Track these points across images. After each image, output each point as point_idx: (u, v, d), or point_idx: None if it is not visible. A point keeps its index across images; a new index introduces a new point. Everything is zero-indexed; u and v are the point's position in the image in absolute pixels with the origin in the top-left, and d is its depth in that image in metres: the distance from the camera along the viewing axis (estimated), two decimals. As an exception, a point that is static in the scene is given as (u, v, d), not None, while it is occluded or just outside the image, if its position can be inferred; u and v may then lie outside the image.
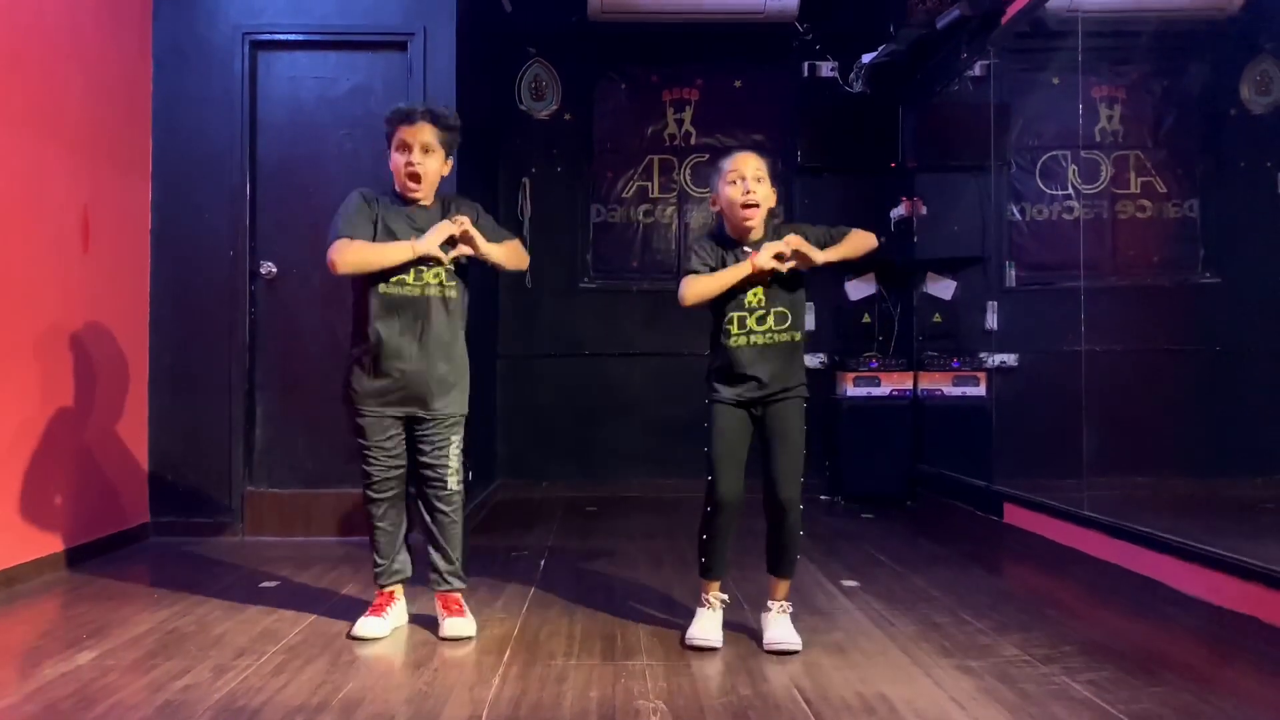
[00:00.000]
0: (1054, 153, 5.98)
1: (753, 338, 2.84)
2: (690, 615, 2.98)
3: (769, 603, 2.91)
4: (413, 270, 2.92)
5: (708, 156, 6.23)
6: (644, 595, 3.47)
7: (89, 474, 4.07)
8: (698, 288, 2.84)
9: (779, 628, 2.83)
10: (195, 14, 4.62)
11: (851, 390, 5.72)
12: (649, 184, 6.25)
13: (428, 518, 3.03)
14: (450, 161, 3.05)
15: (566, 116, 6.25)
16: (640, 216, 6.23)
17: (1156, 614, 3.21)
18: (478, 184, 5.35)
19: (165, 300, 4.59)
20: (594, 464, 6.09)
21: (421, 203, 3.00)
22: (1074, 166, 5.95)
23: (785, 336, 2.84)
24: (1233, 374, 5.47)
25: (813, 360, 6.00)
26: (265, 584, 3.63)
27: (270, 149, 4.67)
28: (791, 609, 2.90)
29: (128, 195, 4.43)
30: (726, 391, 2.86)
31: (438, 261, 2.92)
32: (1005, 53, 5.33)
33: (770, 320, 2.84)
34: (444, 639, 2.94)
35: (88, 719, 2.27)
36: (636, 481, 6.00)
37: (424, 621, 3.10)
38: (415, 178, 2.94)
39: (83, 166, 4.04)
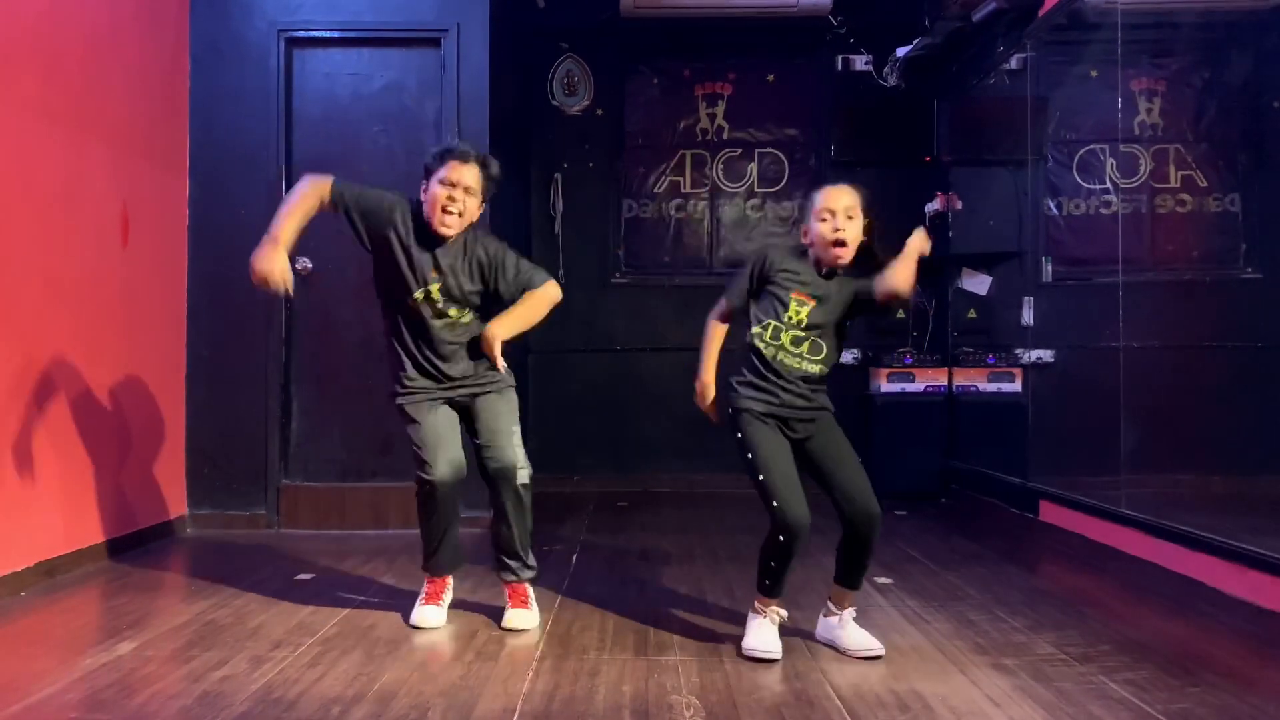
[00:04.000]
0: (1092, 146, 5.90)
1: (780, 354, 2.76)
2: (723, 610, 2.98)
3: (839, 611, 2.81)
4: (417, 293, 2.97)
5: (739, 151, 6.23)
6: (676, 590, 3.47)
7: (128, 467, 4.13)
8: (705, 336, 2.91)
9: (859, 633, 2.76)
10: (231, 11, 4.67)
11: (885, 386, 5.68)
12: (681, 179, 6.24)
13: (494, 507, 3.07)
14: (482, 208, 3.06)
15: (598, 112, 6.25)
16: (672, 211, 6.23)
17: (1196, 614, 3.16)
18: (510, 179, 5.35)
19: (202, 295, 4.64)
20: (625, 458, 6.09)
21: (446, 237, 3.00)
22: (1112, 160, 5.87)
23: (815, 368, 2.77)
24: (1274, 370, 5.37)
25: (846, 356, 5.96)
26: (301, 576, 3.66)
27: (306, 145, 4.71)
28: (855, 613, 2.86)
29: (166, 191, 4.48)
30: (754, 401, 2.76)
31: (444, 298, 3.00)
32: (1042, 45, 5.27)
33: (805, 347, 2.76)
34: (504, 629, 2.98)
35: (129, 708, 2.30)
36: (668, 476, 6.00)
37: (460, 613, 3.12)
38: (453, 214, 2.94)
39: (122, 163, 4.09)
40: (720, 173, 6.23)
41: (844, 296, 2.80)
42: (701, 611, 3.17)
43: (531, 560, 3.12)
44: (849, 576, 2.79)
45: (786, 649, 2.76)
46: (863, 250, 2.79)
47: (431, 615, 3.03)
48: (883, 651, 2.72)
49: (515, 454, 3.01)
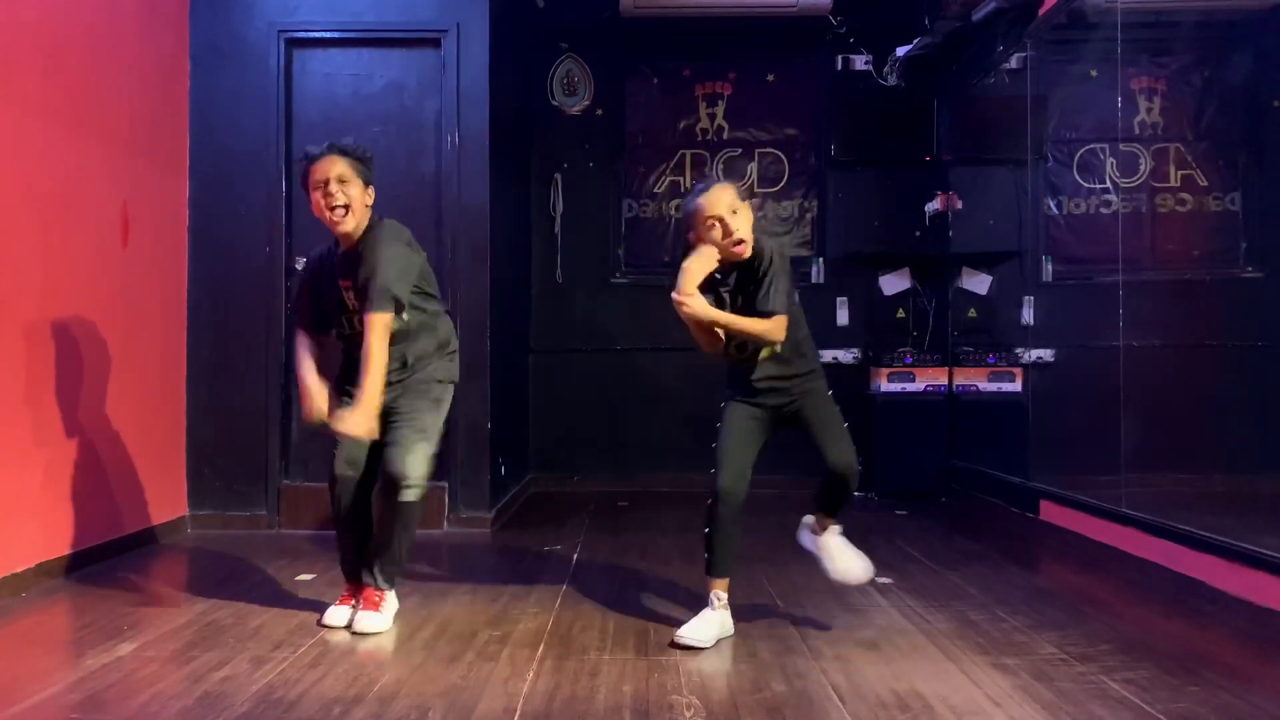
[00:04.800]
0: (1091, 146, 5.90)
1: (753, 362, 2.90)
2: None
3: (821, 530, 2.99)
4: (344, 321, 3.04)
5: (739, 151, 6.23)
6: (677, 589, 3.47)
7: (128, 467, 4.13)
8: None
9: (846, 554, 2.93)
10: (231, 12, 4.67)
11: (886, 385, 5.68)
12: (681, 179, 6.24)
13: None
14: (371, 190, 3.01)
15: (598, 112, 6.25)
16: (672, 211, 6.22)
17: (1196, 613, 3.16)
18: (510, 179, 5.37)
19: (203, 295, 4.64)
20: (626, 458, 6.09)
21: (351, 243, 2.99)
22: (1112, 159, 5.87)
23: (784, 363, 2.89)
24: (1275, 369, 5.38)
25: (846, 355, 5.98)
26: (301, 576, 3.66)
27: (305, 145, 4.65)
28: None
29: (166, 192, 4.48)
30: (734, 389, 2.97)
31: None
32: (1042, 45, 5.27)
33: (765, 350, 2.88)
34: (351, 631, 2.95)
35: (130, 708, 2.30)
36: (668, 476, 5.99)
37: (459, 613, 3.13)
38: (337, 210, 2.93)
39: (122, 163, 4.09)
40: (720, 172, 6.23)
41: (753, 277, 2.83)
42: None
43: (386, 575, 3.02)
44: (827, 505, 2.97)
45: (786, 649, 2.77)
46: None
47: (337, 615, 3.00)
48: (869, 576, 2.88)
49: (407, 466, 2.88)
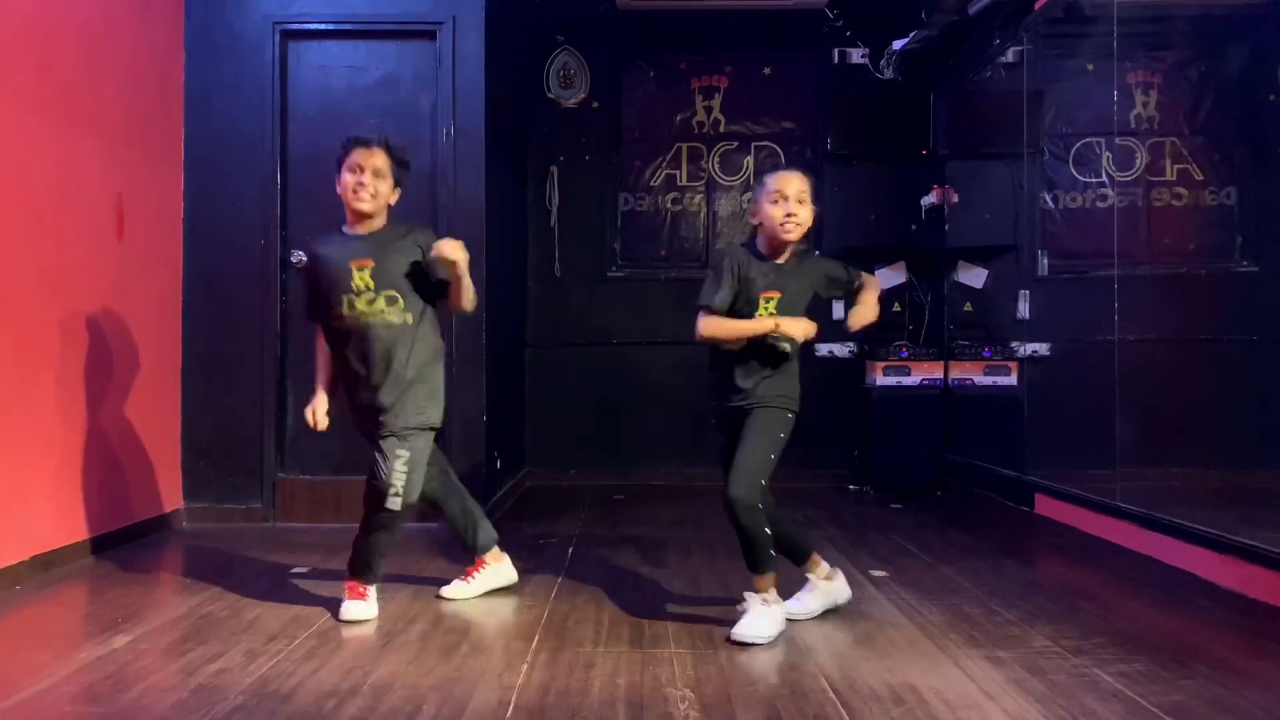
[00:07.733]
0: (1088, 139, 5.89)
1: (759, 346, 2.88)
2: (718, 603, 2.99)
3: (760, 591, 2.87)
4: (345, 300, 3.00)
5: (736, 144, 6.22)
6: (672, 583, 3.47)
7: (123, 460, 4.12)
8: (712, 329, 2.91)
9: (743, 621, 2.79)
10: (226, 4, 4.65)
11: (881, 379, 5.68)
12: (677, 172, 6.23)
13: None
14: (397, 192, 3.11)
15: (594, 105, 6.23)
16: (668, 205, 6.22)
17: (1189, 606, 3.17)
18: (506, 172, 5.36)
19: (198, 289, 4.63)
20: (621, 452, 6.09)
21: (368, 229, 3.07)
22: (1108, 153, 5.86)
23: (785, 345, 2.86)
24: (1270, 363, 5.38)
25: (842, 349, 5.98)
26: (296, 570, 3.66)
27: (301, 138, 4.70)
28: (765, 600, 2.82)
29: (160, 185, 4.47)
30: (719, 404, 2.98)
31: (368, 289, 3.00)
32: (1039, 38, 5.27)
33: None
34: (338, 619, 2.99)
35: (123, 701, 2.30)
36: (664, 470, 6.00)
37: (455, 608, 3.13)
38: (365, 196, 3.00)
39: (116, 156, 4.08)
40: (716, 166, 6.23)
41: (809, 281, 2.97)
42: (696, 605, 3.17)
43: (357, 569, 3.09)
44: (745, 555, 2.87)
45: (780, 642, 2.77)
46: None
47: (356, 609, 3.02)
48: (756, 641, 2.72)
49: (391, 477, 2.96)
